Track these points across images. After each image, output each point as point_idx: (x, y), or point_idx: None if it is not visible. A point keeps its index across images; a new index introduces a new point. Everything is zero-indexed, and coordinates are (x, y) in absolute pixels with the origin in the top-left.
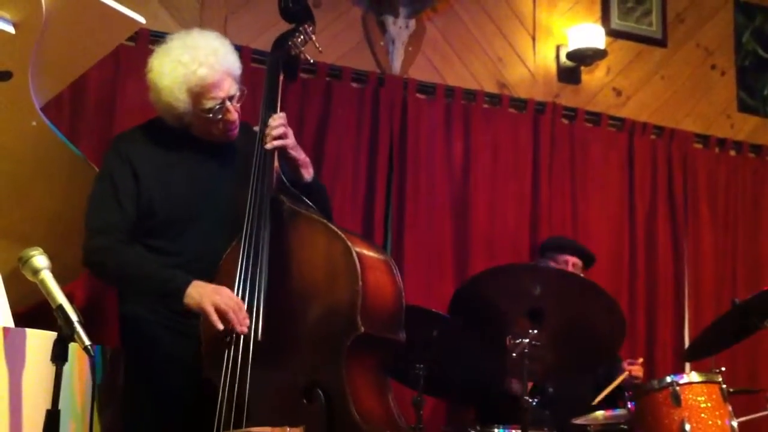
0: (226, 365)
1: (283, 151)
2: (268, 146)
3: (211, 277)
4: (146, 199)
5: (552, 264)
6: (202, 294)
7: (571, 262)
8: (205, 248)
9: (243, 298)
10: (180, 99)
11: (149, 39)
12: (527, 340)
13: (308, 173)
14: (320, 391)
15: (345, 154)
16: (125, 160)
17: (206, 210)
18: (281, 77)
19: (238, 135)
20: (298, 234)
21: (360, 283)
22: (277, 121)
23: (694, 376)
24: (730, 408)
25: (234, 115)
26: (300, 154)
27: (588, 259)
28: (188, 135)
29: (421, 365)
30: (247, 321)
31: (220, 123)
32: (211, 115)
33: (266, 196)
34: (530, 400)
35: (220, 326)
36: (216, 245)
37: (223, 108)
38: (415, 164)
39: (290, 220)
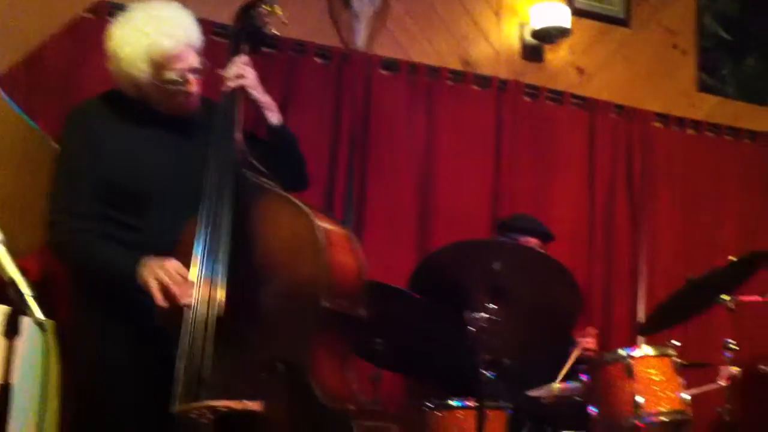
0: (186, 338)
1: (245, 92)
2: (229, 85)
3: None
4: (108, 174)
5: None
6: (147, 270)
7: (532, 243)
8: (171, 225)
9: (203, 273)
10: (141, 69)
11: (109, 11)
12: (486, 315)
13: (275, 117)
14: (281, 366)
15: (308, 129)
16: (84, 135)
17: (171, 185)
18: (245, 49)
19: (202, 111)
20: (261, 209)
21: (323, 258)
22: (238, 63)
23: (647, 350)
24: (681, 381)
25: (195, 88)
26: (264, 97)
27: (547, 239)
28: (148, 108)
29: (380, 340)
30: (191, 293)
31: (181, 95)
32: (172, 87)
33: (228, 168)
34: (487, 374)
35: (163, 303)
36: (182, 222)
37: (184, 80)
38: (378, 140)
39: (253, 194)
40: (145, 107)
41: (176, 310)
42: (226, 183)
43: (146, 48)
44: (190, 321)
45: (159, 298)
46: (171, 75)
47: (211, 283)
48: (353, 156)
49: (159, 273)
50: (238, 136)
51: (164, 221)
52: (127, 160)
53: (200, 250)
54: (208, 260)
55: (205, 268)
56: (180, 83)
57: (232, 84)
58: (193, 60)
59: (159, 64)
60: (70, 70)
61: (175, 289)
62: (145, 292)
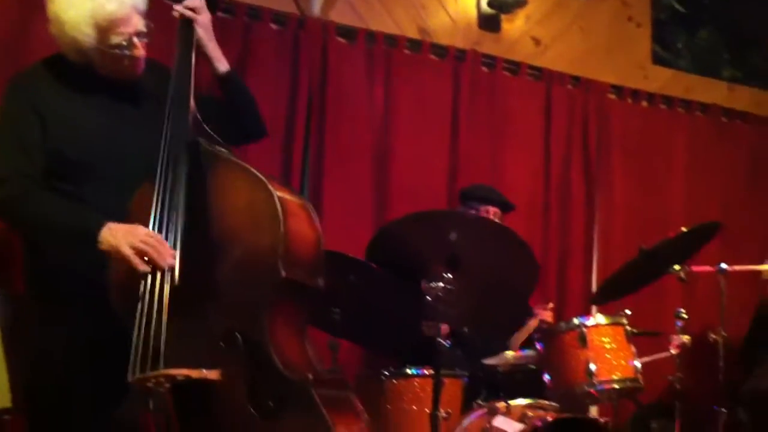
0: (141, 308)
1: (197, 42)
2: (178, 11)
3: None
4: (53, 141)
5: (473, 212)
6: (118, 237)
7: (492, 212)
8: (116, 194)
9: None
10: (85, 33)
11: None
12: (442, 285)
13: (223, 65)
14: (239, 336)
15: (263, 97)
16: (27, 101)
17: (116, 152)
18: None
19: (148, 75)
20: (217, 177)
21: (282, 228)
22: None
23: (600, 319)
24: (633, 349)
25: (141, 52)
26: (212, 43)
27: (507, 209)
28: (92, 73)
29: (337, 309)
30: (172, 253)
31: (126, 60)
32: (117, 51)
33: (182, 136)
34: (444, 343)
35: (144, 268)
36: (129, 191)
37: (130, 44)
38: (335, 109)
39: (209, 162)
40: (90, 72)
41: (135, 282)
42: (180, 151)
43: (90, 11)
44: (146, 291)
45: (140, 264)
46: (116, 39)
47: None
48: (310, 125)
49: (132, 240)
50: (191, 102)
51: (109, 190)
52: (69, 127)
53: (154, 219)
54: (162, 230)
55: (160, 235)
56: (126, 47)
57: (181, 11)
58: (139, 23)
59: (104, 28)
60: (15, 34)
61: (154, 254)
62: (96, 263)
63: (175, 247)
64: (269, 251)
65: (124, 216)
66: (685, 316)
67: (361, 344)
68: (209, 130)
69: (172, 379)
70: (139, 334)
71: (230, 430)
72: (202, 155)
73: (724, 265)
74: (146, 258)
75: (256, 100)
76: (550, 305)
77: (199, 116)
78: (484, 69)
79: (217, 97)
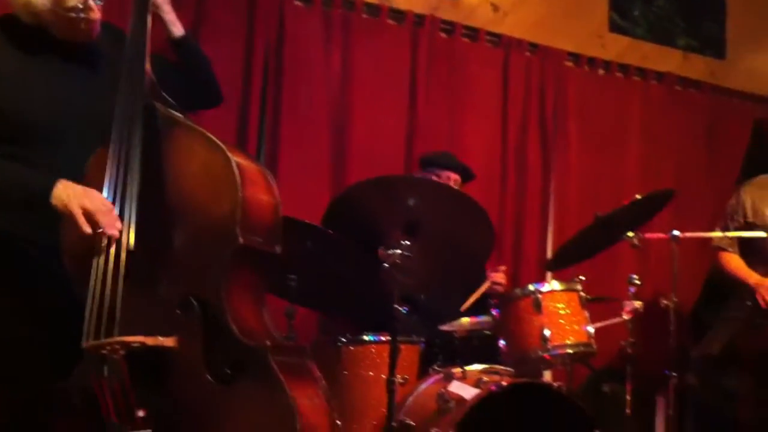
0: (95, 274)
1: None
2: None
3: None
4: (3, 102)
5: (434, 178)
6: (71, 195)
7: (453, 179)
8: (69, 158)
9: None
10: None
11: None
12: (400, 251)
13: (178, 29)
14: (195, 302)
15: (218, 62)
16: None
17: (68, 116)
18: None
19: (104, 38)
20: (173, 142)
21: (239, 194)
22: None
23: (555, 285)
24: (587, 314)
25: (97, 14)
26: (166, 5)
27: (468, 177)
28: (46, 35)
29: (294, 276)
30: (119, 224)
31: (82, 23)
32: (73, 15)
33: (138, 100)
34: (401, 309)
35: (87, 229)
36: (82, 155)
37: (86, 7)
38: (292, 73)
39: (165, 127)
40: (43, 34)
41: (89, 247)
42: (135, 114)
43: None
44: (100, 256)
45: (84, 224)
46: (72, 2)
47: (122, 219)
48: (266, 90)
49: (84, 201)
50: (147, 66)
51: (62, 153)
52: (20, 88)
53: (110, 184)
54: (117, 195)
55: (116, 200)
56: (81, 10)
57: None
58: None
59: None
60: None
61: (102, 218)
62: (47, 227)
63: (130, 213)
64: (227, 217)
65: (78, 180)
66: (637, 282)
67: (318, 311)
68: (165, 95)
69: (126, 345)
70: (93, 300)
71: (187, 397)
72: (158, 119)
73: (676, 232)
74: (94, 223)
75: (212, 65)
76: (502, 268)
77: (155, 80)
78: (443, 35)
79: (173, 62)
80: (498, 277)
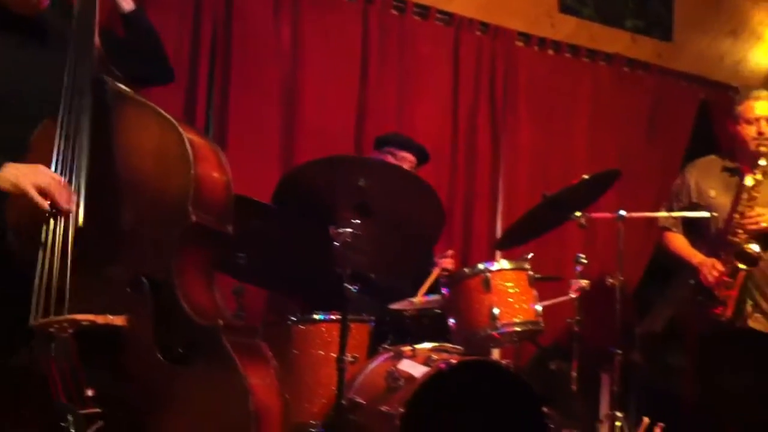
0: (44, 251)
1: None
2: None
3: None
4: None
5: (389, 158)
6: (19, 175)
7: (409, 159)
8: (16, 131)
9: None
10: None
11: None
12: (350, 230)
13: (127, 3)
14: (146, 281)
15: (165, 36)
16: None
17: (17, 87)
18: None
19: (53, 10)
20: (124, 117)
21: (192, 171)
22: None
23: (504, 264)
24: (535, 293)
25: None
26: None
27: (423, 159)
28: None
29: (243, 254)
30: (74, 198)
31: None
32: None
33: (87, 73)
34: (351, 288)
35: (46, 205)
36: (27, 128)
37: None
38: (241, 49)
39: (115, 101)
40: None
41: (36, 224)
42: (84, 87)
43: None
44: (49, 234)
45: (41, 201)
46: None
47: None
48: (214, 64)
49: (35, 179)
50: (96, 39)
51: (7, 126)
52: None
53: (57, 159)
54: (65, 170)
55: (64, 175)
56: None
57: None
58: None
59: None
60: None
61: (55, 194)
62: None
63: (79, 188)
64: (179, 195)
65: (23, 153)
66: (584, 261)
67: (268, 289)
68: (114, 70)
69: (76, 324)
70: (41, 278)
71: (138, 377)
72: (107, 93)
73: (622, 212)
74: (48, 199)
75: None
76: (450, 252)
77: (104, 54)
78: (394, 12)
79: (122, 37)
80: (447, 263)
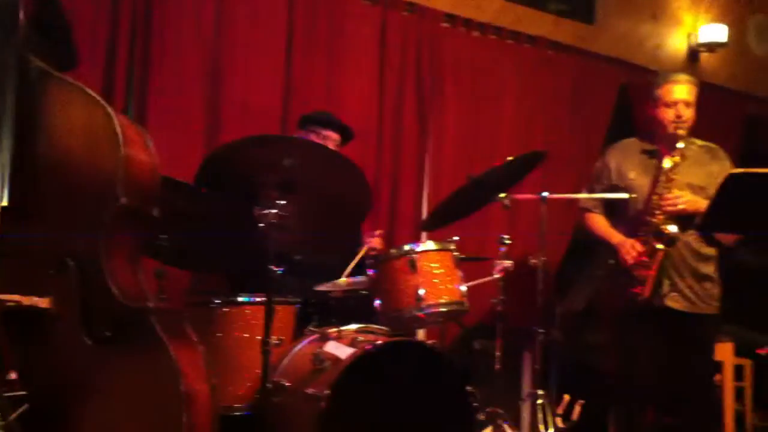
0: None
1: None
2: None
3: None
4: None
5: (313, 137)
6: None
7: (333, 138)
8: None
9: None
10: None
11: None
12: (276, 211)
13: None
14: (72, 262)
15: (82, 11)
16: None
17: None
18: None
19: None
20: (50, 97)
21: (122, 152)
22: None
23: (429, 245)
24: (460, 274)
25: None
26: None
27: (347, 137)
28: None
29: (165, 236)
30: None
31: None
32: None
33: (11, 47)
34: (276, 269)
35: None
36: None
37: None
38: (162, 24)
39: (40, 80)
40: None
41: None
42: (8, 64)
43: None
44: None
45: None
46: None
47: None
48: (135, 40)
49: None
50: (21, 16)
51: None
52: None
53: None
54: None
55: None
56: None
57: None
58: None
59: None
60: None
61: None
62: None
63: (2, 168)
64: (108, 176)
65: None
66: (508, 241)
67: (192, 271)
68: (39, 48)
69: (1, 305)
70: None
71: (66, 358)
72: (31, 72)
73: (545, 194)
74: None
75: (76, 16)
76: (378, 232)
77: (29, 32)
78: None
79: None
80: (374, 242)
